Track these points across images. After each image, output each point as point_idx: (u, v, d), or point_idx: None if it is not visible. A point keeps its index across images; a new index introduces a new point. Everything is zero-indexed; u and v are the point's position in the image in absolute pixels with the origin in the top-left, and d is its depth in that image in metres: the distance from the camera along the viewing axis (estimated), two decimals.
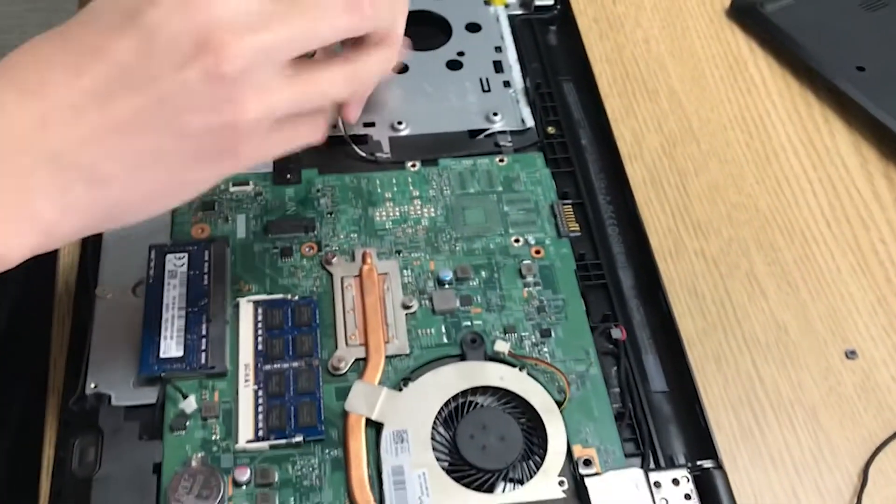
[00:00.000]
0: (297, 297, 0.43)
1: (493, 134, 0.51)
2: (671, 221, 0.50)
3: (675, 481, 0.38)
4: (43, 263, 0.47)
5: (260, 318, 0.42)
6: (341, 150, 0.49)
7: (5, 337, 0.54)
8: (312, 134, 0.36)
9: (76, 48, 0.31)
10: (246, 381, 0.40)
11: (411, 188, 0.48)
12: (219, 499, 0.37)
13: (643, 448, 0.40)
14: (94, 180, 0.31)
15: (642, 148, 0.54)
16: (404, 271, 0.45)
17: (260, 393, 0.40)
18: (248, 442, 0.39)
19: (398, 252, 0.45)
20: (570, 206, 0.48)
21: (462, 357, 0.42)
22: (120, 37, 0.30)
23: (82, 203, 0.31)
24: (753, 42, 0.60)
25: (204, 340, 0.41)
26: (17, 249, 0.30)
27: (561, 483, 0.38)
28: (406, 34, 0.51)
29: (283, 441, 0.39)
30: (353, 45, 0.36)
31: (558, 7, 0.59)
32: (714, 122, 0.55)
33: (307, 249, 0.45)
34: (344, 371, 0.41)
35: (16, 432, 0.56)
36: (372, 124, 0.51)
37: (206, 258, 0.44)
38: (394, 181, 0.49)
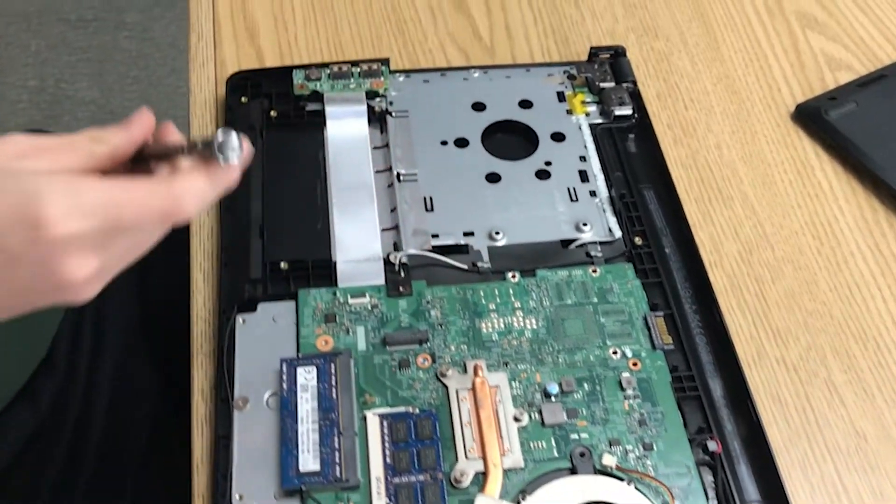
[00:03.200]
0: (417, 410, 0.47)
1: (583, 244, 0.55)
2: (752, 329, 0.54)
3: None
4: (176, 376, 0.52)
5: (386, 430, 0.46)
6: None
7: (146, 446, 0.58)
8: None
9: None
10: (378, 493, 0.44)
11: (513, 299, 0.52)
12: None
13: None
14: None
15: (721, 255, 0.57)
16: (513, 383, 0.49)
17: None
18: None
19: (506, 364, 0.49)
20: (661, 317, 0.52)
21: (572, 470, 0.45)
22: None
23: None
24: (819, 147, 0.64)
25: (337, 453, 0.45)
26: None
27: None
28: (497, 143, 0.57)
29: None
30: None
31: (636, 116, 0.63)
32: (786, 229, 0.59)
33: (422, 361, 0.49)
34: (466, 485, 0.45)
35: None
36: (471, 234, 0.56)
37: (333, 371, 0.48)
38: (496, 292, 0.53)
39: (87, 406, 0.65)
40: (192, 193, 0.37)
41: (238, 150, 0.38)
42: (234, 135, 0.37)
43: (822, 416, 0.50)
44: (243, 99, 0.61)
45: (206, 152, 0.38)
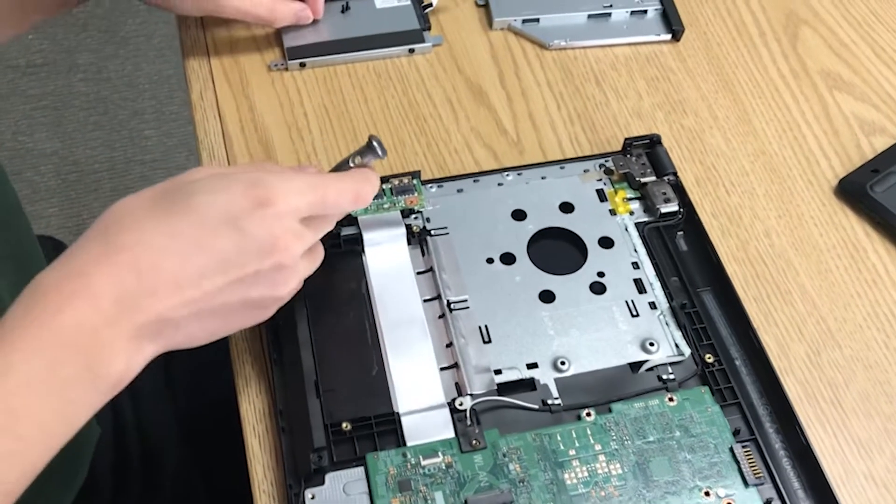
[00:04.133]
0: None
1: (653, 367, 0.53)
2: (834, 442, 0.52)
3: None
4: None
5: None
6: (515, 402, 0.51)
7: None
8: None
9: (184, 242, 0.43)
10: None
11: (592, 441, 0.50)
12: None
13: None
14: (179, 330, 0.44)
15: (790, 359, 0.56)
16: None
17: None
18: None
19: None
20: (747, 447, 0.50)
21: None
22: (220, 236, 0.43)
23: (169, 343, 0.44)
24: (867, 225, 0.62)
25: None
26: (133, 369, 0.43)
27: None
28: (544, 254, 0.58)
29: None
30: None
31: (682, 211, 0.60)
32: (850, 323, 0.57)
33: None
34: None
35: None
36: (535, 365, 0.53)
37: None
38: (573, 434, 0.50)
39: None
40: (370, 181, 0.49)
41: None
42: (378, 138, 0.51)
43: None
44: None
45: (364, 158, 0.50)
